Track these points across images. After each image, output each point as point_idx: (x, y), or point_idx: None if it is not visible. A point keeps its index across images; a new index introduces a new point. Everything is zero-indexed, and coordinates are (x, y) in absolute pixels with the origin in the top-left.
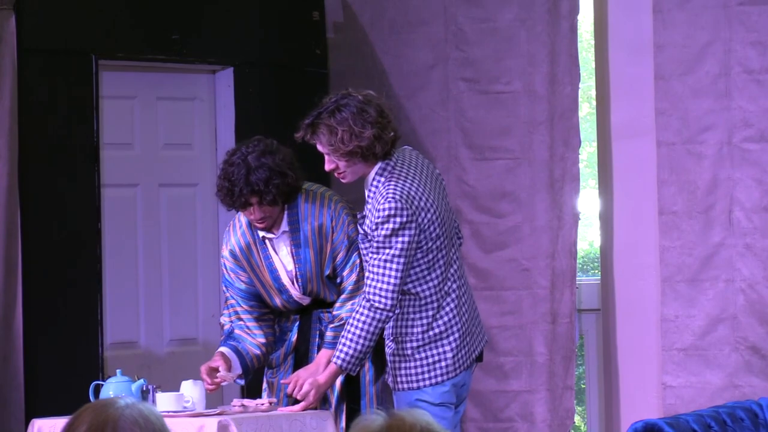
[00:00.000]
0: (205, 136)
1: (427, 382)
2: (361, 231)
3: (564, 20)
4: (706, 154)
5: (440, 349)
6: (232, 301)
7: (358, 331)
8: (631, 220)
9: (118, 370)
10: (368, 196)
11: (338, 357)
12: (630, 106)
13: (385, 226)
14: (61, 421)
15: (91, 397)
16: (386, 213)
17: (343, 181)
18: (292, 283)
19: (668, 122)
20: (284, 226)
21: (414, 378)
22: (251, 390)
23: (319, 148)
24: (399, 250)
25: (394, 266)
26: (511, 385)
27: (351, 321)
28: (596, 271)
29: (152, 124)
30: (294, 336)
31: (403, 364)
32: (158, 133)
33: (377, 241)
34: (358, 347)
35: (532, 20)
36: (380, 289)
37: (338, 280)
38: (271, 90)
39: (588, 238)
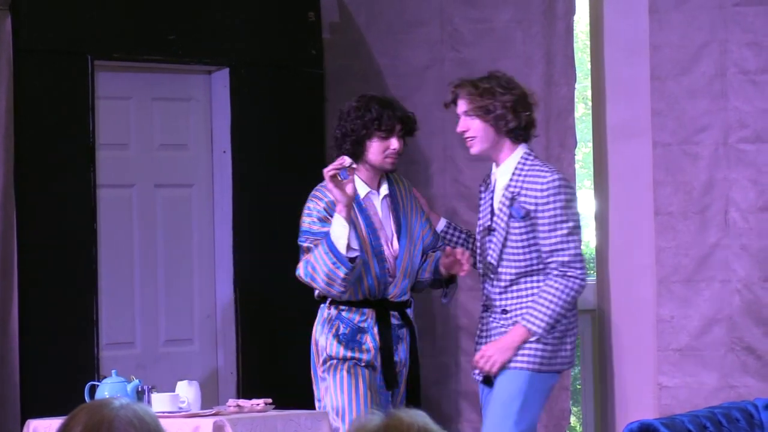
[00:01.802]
0: (200, 137)
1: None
2: (515, 212)
3: (560, 21)
4: (702, 154)
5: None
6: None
7: (551, 297)
8: (627, 220)
9: (113, 371)
10: (513, 180)
11: (529, 321)
12: (626, 107)
13: (558, 197)
14: (56, 422)
15: (87, 398)
16: (556, 184)
17: (471, 150)
18: (389, 244)
19: (664, 123)
20: (385, 189)
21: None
22: (246, 390)
23: (459, 105)
24: (576, 222)
25: (576, 237)
26: None
27: (543, 291)
28: (592, 272)
29: (148, 124)
30: (375, 340)
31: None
32: (154, 134)
33: (553, 215)
34: (550, 312)
35: (527, 21)
36: (573, 261)
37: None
38: (267, 90)
39: (584, 239)
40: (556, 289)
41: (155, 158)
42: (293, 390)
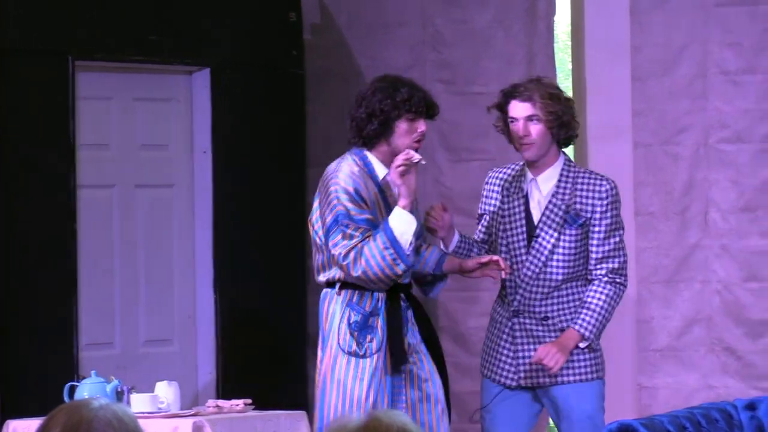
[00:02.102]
0: (181, 137)
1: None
2: (571, 219)
3: (541, 21)
4: (683, 155)
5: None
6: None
7: (603, 304)
8: None
9: (93, 371)
10: (562, 187)
11: (582, 326)
12: (607, 108)
13: (616, 205)
14: (35, 422)
15: (66, 398)
16: (614, 192)
17: (526, 154)
18: None
19: (645, 123)
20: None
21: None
22: (226, 390)
23: (522, 108)
24: (623, 229)
25: (624, 245)
26: None
27: (594, 296)
28: None
29: (129, 124)
30: (384, 327)
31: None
32: (135, 134)
33: (610, 223)
34: (601, 318)
35: (509, 21)
36: (622, 267)
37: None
38: (247, 91)
39: None
40: (607, 295)
41: (136, 159)
42: (273, 390)
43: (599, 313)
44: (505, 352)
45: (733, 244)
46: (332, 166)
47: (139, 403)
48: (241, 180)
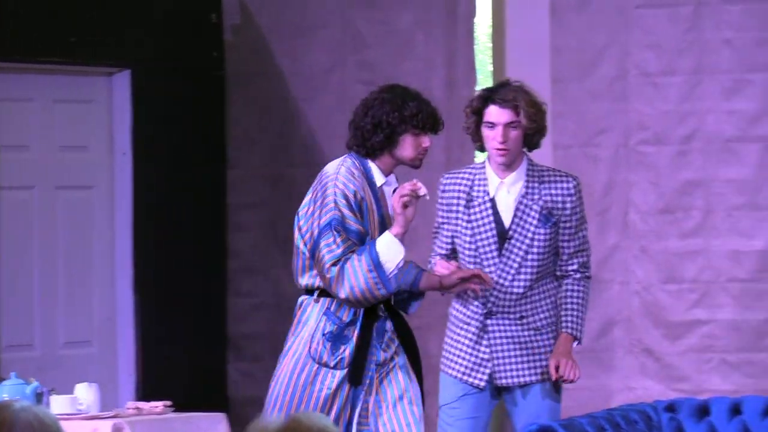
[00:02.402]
0: (101, 139)
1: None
2: (544, 218)
3: (461, 23)
4: (602, 156)
5: None
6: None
7: (582, 301)
8: None
9: (12, 373)
10: (531, 187)
11: (572, 329)
12: None
13: (581, 199)
14: None
15: None
16: (580, 187)
17: (499, 159)
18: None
19: (565, 125)
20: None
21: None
22: (146, 392)
23: (505, 115)
24: (587, 224)
25: (588, 239)
26: None
27: (573, 295)
28: None
29: (49, 126)
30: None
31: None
32: (55, 136)
33: (579, 218)
34: (583, 316)
35: (429, 23)
36: (589, 261)
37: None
38: (168, 92)
39: None
40: (583, 292)
41: (56, 160)
42: (192, 392)
43: (581, 311)
44: (475, 353)
45: (652, 245)
46: (331, 167)
47: (58, 404)
48: (161, 181)
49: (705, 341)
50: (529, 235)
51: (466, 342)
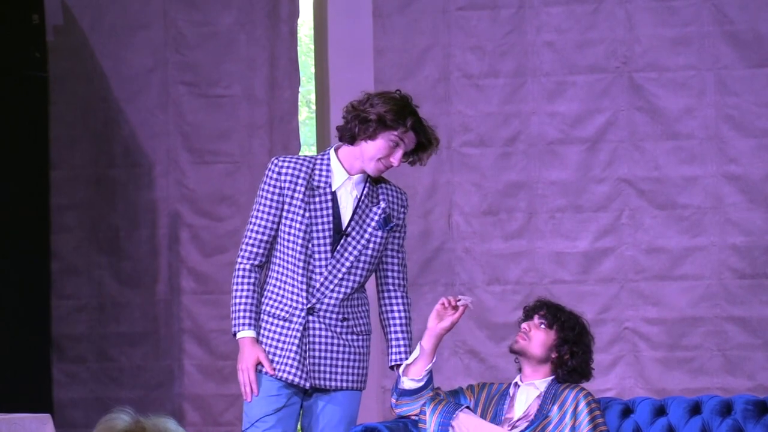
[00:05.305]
0: None
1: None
2: (382, 222)
3: (284, 24)
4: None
5: None
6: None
7: (409, 321)
8: None
9: None
10: (370, 186)
11: (409, 352)
12: None
13: (406, 215)
14: None
15: None
16: (407, 203)
17: (375, 173)
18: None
19: None
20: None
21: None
22: None
23: (412, 144)
24: None
25: None
26: (230, 388)
27: (405, 319)
28: None
29: None
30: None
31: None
32: None
33: (405, 233)
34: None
35: (251, 24)
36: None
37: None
38: None
39: None
40: (409, 311)
41: None
42: (17, 394)
43: (411, 335)
44: (295, 348)
45: (475, 247)
46: None
47: None
48: None
49: None
50: (366, 236)
51: (286, 339)
